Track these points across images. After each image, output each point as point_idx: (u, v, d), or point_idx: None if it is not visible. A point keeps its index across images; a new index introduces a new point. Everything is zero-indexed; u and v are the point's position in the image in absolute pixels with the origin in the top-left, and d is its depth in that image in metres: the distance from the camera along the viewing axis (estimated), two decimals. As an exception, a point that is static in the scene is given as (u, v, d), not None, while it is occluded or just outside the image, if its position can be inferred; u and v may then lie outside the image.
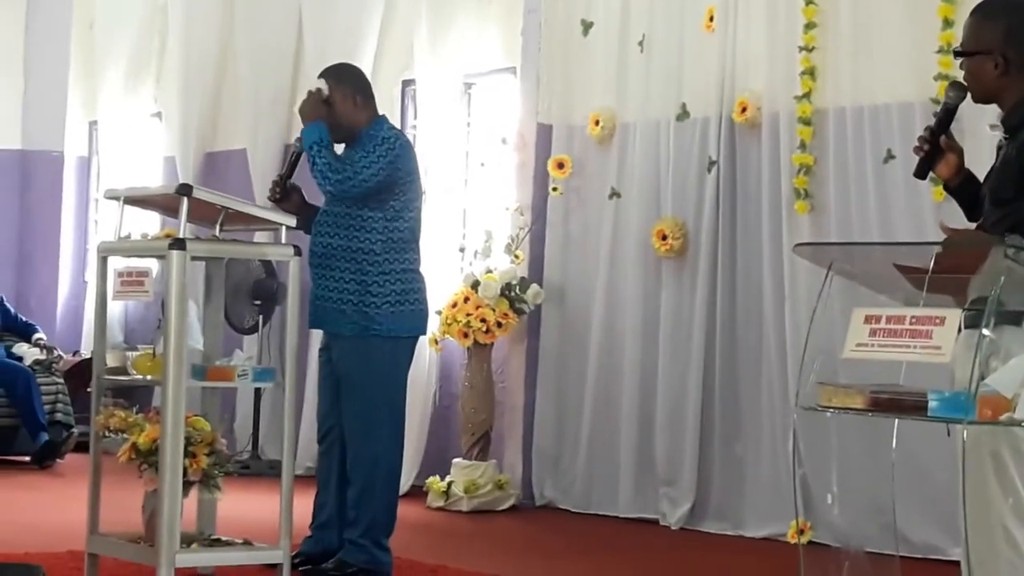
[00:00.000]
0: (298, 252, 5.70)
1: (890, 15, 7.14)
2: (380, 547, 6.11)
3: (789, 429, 7.09)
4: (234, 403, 9.94)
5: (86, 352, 10.80)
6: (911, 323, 3.46)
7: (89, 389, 5.80)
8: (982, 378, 3.42)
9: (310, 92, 6.13)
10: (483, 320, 8.29)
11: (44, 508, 8.05)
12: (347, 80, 6.21)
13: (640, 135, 8.12)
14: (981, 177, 4.14)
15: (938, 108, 4.28)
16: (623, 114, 8.24)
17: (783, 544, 7.18)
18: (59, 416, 9.93)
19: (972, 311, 3.58)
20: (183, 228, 5.50)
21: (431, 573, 6.29)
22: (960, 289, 3.62)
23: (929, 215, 6.74)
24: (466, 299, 8.36)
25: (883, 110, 7.13)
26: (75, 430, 9.80)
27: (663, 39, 8.03)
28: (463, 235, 9.04)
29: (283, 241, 5.80)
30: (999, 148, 4.09)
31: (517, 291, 8.35)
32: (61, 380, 10.11)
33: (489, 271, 8.41)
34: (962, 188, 4.18)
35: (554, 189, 8.50)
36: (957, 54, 4.13)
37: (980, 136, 5.90)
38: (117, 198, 5.93)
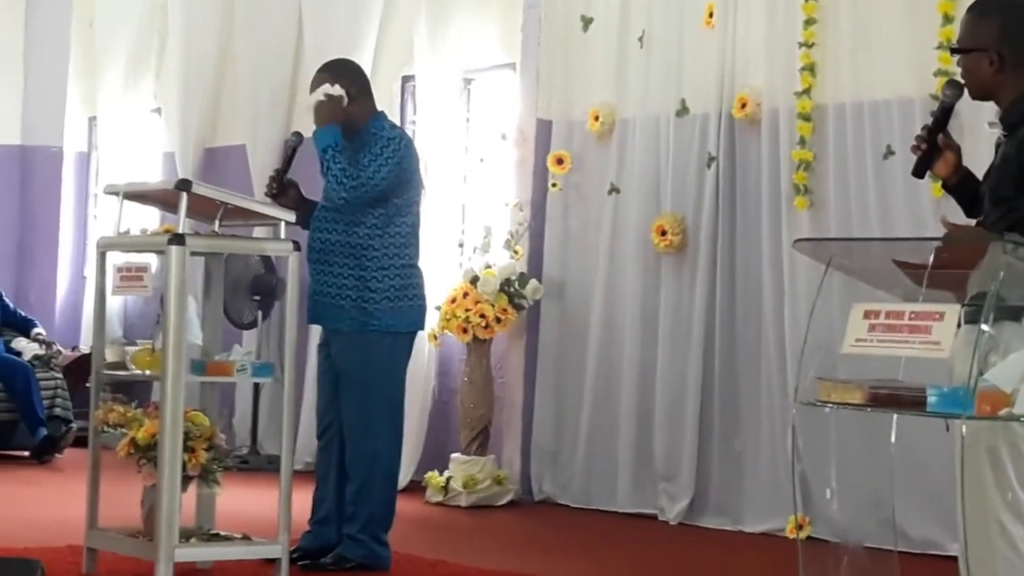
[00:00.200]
0: (297, 247, 5.71)
1: (890, 11, 7.13)
2: (379, 542, 6.12)
3: (788, 424, 7.09)
4: (233, 398, 9.94)
5: (85, 347, 10.80)
6: (910, 318, 3.47)
7: (88, 384, 5.81)
8: (981, 373, 3.42)
9: (329, 95, 6.09)
10: (482, 315, 8.29)
11: (43, 503, 8.05)
12: (345, 74, 6.21)
13: (640, 131, 8.12)
14: (980, 175, 4.14)
15: (936, 106, 4.28)
16: (623, 110, 8.24)
17: (782, 539, 7.18)
18: (58, 411, 9.93)
19: (972, 307, 3.58)
20: (182, 223, 5.51)
21: (430, 568, 6.28)
22: (960, 285, 3.62)
23: (928, 211, 6.74)
24: (465, 294, 8.36)
25: (883, 106, 7.13)
26: (74, 425, 9.80)
27: (663, 35, 8.03)
28: (462, 231, 9.04)
29: (282, 236, 5.81)
30: (998, 145, 4.09)
31: (516, 287, 8.35)
32: (60, 375, 10.11)
33: (488, 267, 8.41)
34: (961, 186, 4.17)
35: (553, 185, 8.50)
36: (953, 51, 4.15)
37: (979, 133, 5.91)
38: (116, 194, 5.94)
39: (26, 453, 9.83)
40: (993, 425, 3.64)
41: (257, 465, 9.31)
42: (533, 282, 8.40)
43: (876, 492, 4.56)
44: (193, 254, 5.50)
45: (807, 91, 7.35)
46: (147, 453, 5.45)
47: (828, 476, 4.47)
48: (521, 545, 7.30)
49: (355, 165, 5.97)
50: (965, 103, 4.17)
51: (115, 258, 5.85)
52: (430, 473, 8.43)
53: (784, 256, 7.37)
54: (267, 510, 5.96)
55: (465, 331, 8.35)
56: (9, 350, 10.08)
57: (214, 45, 10.68)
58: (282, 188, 6.19)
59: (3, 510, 7.67)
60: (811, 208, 7.34)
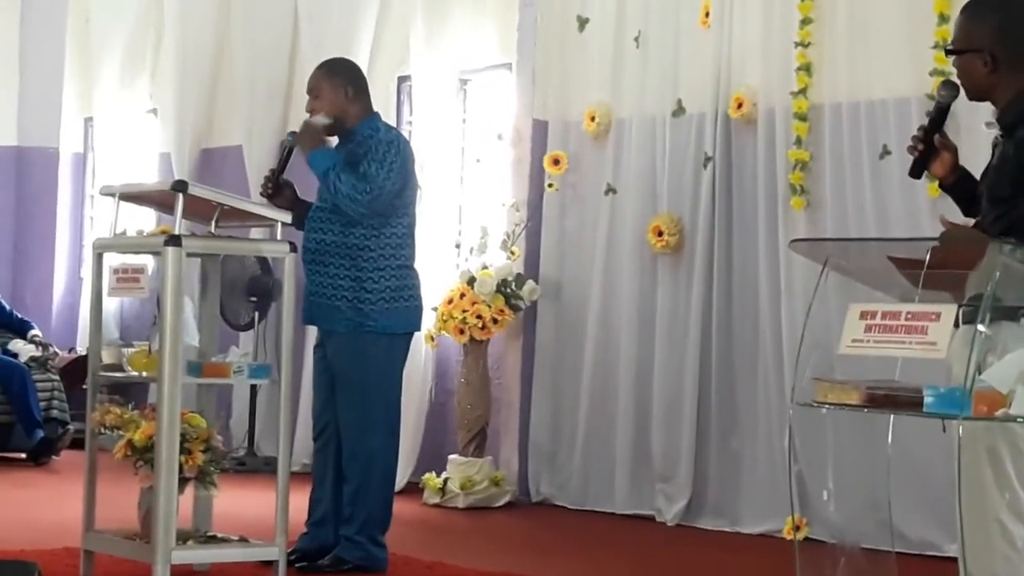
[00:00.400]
0: (294, 248, 5.71)
1: (886, 10, 7.13)
2: (376, 543, 6.12)
3: (785, 425, 7.08)
4: (230, 400, 9.93)
5: (82, 349, 10.79)
6: (907, 319, 3.46)
7: (85, 386, 5.80)
8: (978, 373, 3.42)
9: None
10: (479, 316, 8.28)
11: (40, 505, 8.04)
12: (340, 72, 6.21)
13: (636, 131, 8.12)
14: (977, 174, 4.13)
15: (932, 106, 4.28)
16: (619, 110, 8.23)
17: (779, 540, 7.17)
18: (55, 413, 9.92)
19: (969, 307, 3.58)
20: (179, 224, 5.50)
21: (427, 569, 6.28)
22: (957, 285, 3.62)
23: (925, 211, 6.74)
24: (462, 295, 8.35)
25: (879, 105, 7.13)
26: (71, 427, 9.80)
27: (659, 35, 8.03)
28: (459, 231, 9.04)
29: (279, 237, 5.80)
30: (995, 145, 4.08)
31: (513, 287, 8.34)
32: (57, 377, 10.10)
33: (485, 267, 8.40)
34: (958, 186, 4.17)
35: (550, 185, 8.50)
36: (948, 52, 4.14)
37: (976, 133, 5.89)
38: (113, 194, 5.93)
39: (23, 455, 9.82)
40: (991, 425, 3.63)
41: (254, 467, 9.31)
42: (530, 283, 8.39)
43: (873, 493, 4.55)
44: (189, 255, 5.49)
45: (803, 91, 7.35)
46: (144, 455, 5.44)
47: (825, 477, 4.47)
48: (518, 546, 7.30)
49: (358, 175, 5.95)
50: (962, 103, 4.16)
51: (111, 259, 5.84)
52: (427, 474, 8.42)
53: (781, 256, 7.36)
54: (264, 512, 5.95)
55: (462, 332, 8.35)
56: (5, 352, 10.08)
57: (210, 44, 10.68)
58: (277, 189, 6.18)
59: (0, 512, 7.66)
60: (807, 208, 7.34)
